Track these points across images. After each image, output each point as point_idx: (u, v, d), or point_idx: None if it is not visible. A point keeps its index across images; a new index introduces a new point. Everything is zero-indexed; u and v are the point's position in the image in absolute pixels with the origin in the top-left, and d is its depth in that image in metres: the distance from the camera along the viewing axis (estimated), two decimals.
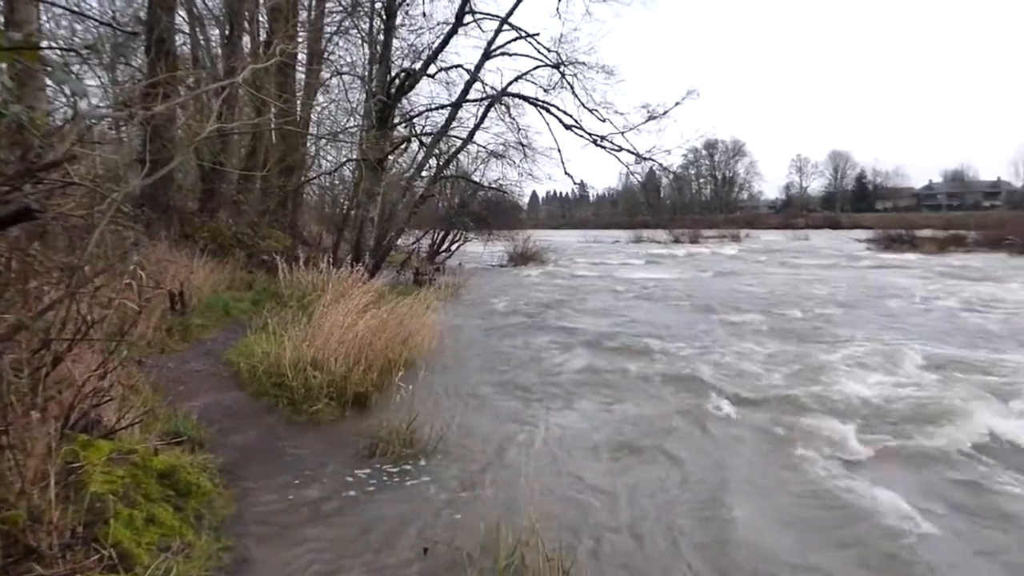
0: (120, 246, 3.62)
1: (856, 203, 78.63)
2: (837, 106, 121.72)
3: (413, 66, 13.15)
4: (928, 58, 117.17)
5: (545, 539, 2.93)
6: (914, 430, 4.99)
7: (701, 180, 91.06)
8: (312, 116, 14.16)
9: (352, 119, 13.61)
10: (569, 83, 13.76)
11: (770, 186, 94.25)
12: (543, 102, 13.67)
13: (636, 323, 10.28)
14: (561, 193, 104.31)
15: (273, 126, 12.78)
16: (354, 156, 13.20)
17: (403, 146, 14.50)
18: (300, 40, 13.76)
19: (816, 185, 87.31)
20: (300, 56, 14.43)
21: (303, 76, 14.57)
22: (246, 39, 13.45)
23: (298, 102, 14.07)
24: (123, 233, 3.81)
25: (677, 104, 13.29)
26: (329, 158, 14.87)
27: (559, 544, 2.96)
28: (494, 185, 17.76)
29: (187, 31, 13.11)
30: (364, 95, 13.23)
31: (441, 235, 21.21)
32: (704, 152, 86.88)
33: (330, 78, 13.77)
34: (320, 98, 14.25)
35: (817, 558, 3.25)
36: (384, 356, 6.18)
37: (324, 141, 13.82)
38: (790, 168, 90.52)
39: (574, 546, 3.19)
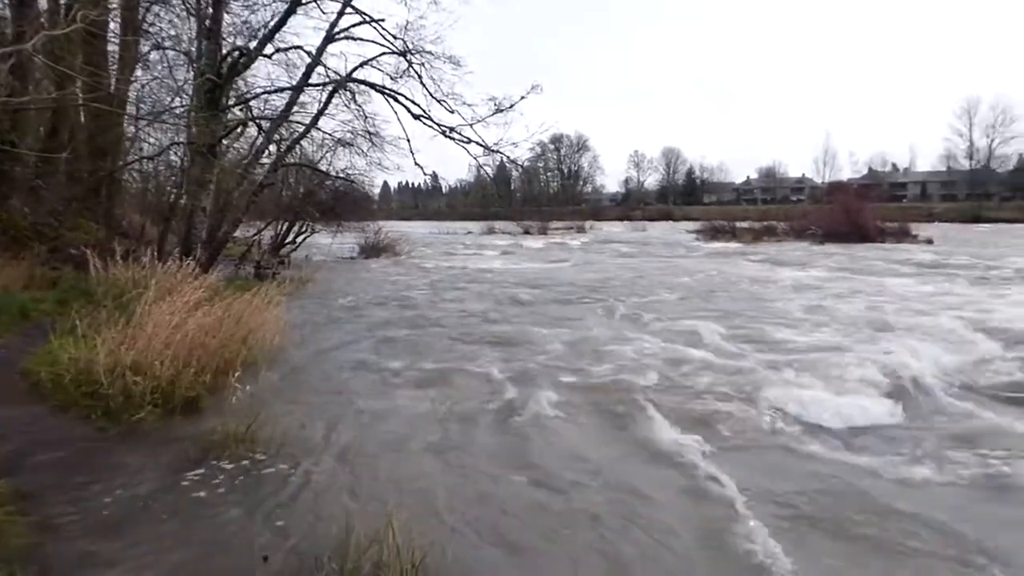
0: None
1: (686, 197, 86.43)
2: (669, 105, 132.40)
3: (248, 45, 12.24)
4: (746, 63, 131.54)
5: (400, 534, 2.87)
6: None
7: (549, 173, 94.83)
8: (130, 94, 12.62)
9: (178, 99, 12.36)
10: (417, 72, 13.60)
11: (611, 180, 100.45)
12: (390, 90, 13.39)
13: (487, 314, 10.45)
14: (413, 184, 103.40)
15: (80, 102, 11.23)
16: (181, 140, 12.01)
17: (239, 130, 13.48)
18: (113, 7, 12.21)
19: (652, 180, 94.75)
20: (113, 26, 12.81)
21: (118, 49, 12.97)
22: (43, 2, 11.69)
23: (112, 77, 12.50)
24: None
25: (523, 98, 13.65)
26: (151, 141, 13.39)
27: (414, 538, 2.91)
28: (342, 174, 17.11)
29: None
30: (192, 73, 12.08)
31: (285, 226, 20.06)
32: (551, 146, 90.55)
33: (148, 52, 12.38)
34: (139, 74, 12.76)
35: (642, 512, 3.52)
36: (220, 356, 5.72)
37: (144, 122, 12.40)
38: (628, 163, 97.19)
39: (430, 539, 3.09)
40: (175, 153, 13.22)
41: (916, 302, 10.73)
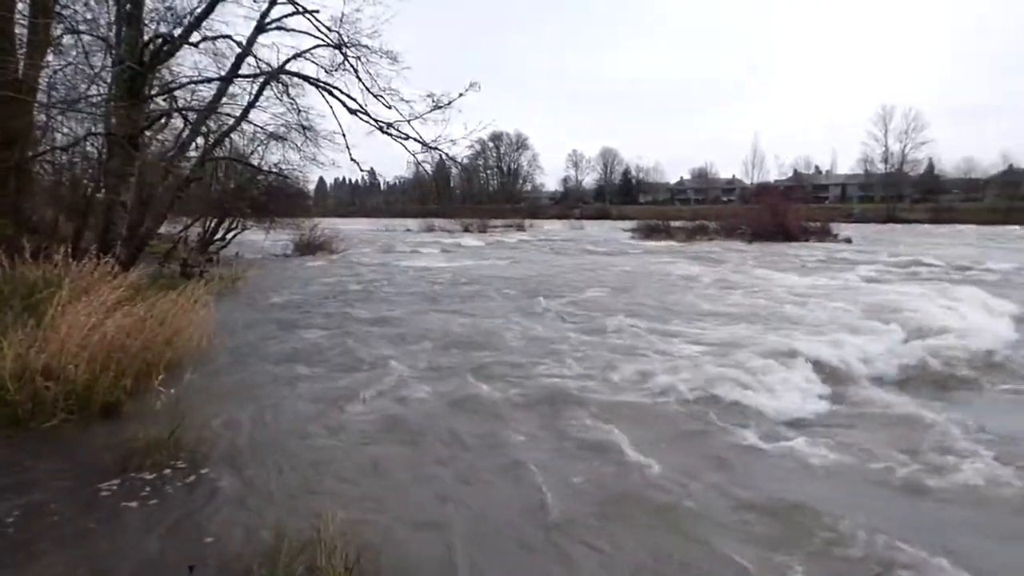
0: None
1: (623, 196, 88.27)
2: (606, 106, 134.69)
3: (172, 32, 11.67)
4: (680, 67, 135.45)
5: (334, 536, 2.84)
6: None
7: (488, 171, 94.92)
8: (41, 81, 11.80)
9: (95, 87, 11.64)
10: (353, 66, 13.28)
11: (550, 179, 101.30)
12: (325, 84, 13.03)
13: (422, 313, 10.37)
14: (351, 180, 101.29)
15: None
16: (99, 130, 11.33)
17: (162, 121, 12.84)
18: None
19: (590, 179, 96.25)
20: (21, 6, 11.94)
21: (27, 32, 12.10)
22: None
23: (20, 62, 11.66)
24: None
25: (461, 95, 13.54)
26: (65, 131, 12.58)
27: (349, 539, 2.87)
28: (274, 169, 16.58)
29: None
30: (111, 60, 11.41)
31: (214, 223, 19.29)
32: (491, 144, 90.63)
33: (61, 36, 11.61)
34: (51, 59, 11.94)
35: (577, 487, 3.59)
36: (141, 359, 5.47)
37: (57, 111, 11.62)
38: (567, 163, 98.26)
39: (365, 539, 3.08)
40: (92, 144, 12.48)
41: (834, 297, 11.31)
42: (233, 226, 20.31)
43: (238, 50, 12.16)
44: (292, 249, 22.54)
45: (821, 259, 20.38)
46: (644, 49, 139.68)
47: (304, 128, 14.01)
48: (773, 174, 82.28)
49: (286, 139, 14.66)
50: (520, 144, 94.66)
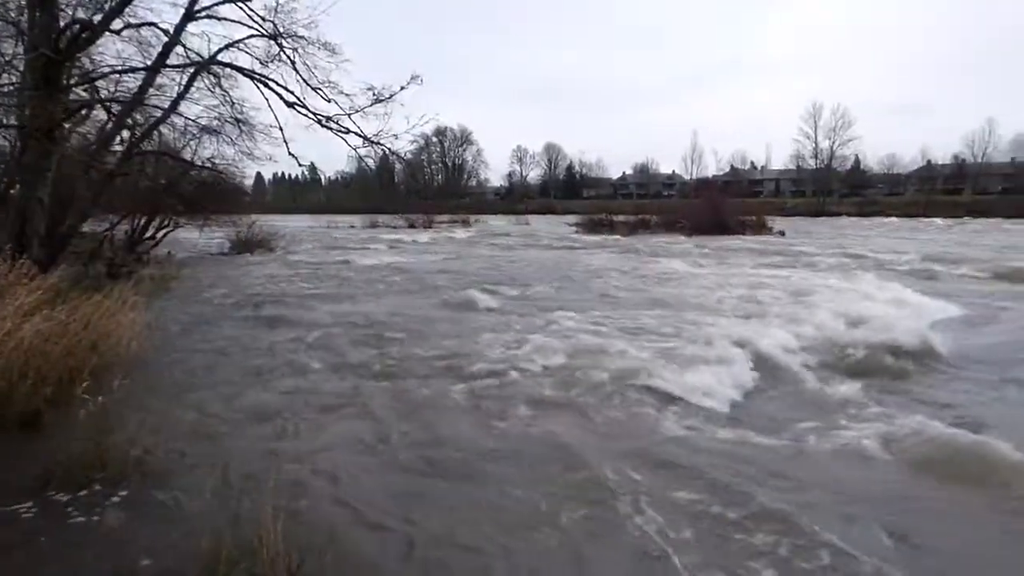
0: None
1: (567, 191, 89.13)
2: (550, 101, 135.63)
3: (92, 18, 10.99)
4: (623, 64, 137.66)
5: (275, 542, 2.75)
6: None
7: (433, 166, 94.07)
8: None
9: (6, 76, 10.87)
10: (290, 58, 12.84)
11: (495, 174, 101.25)
12: (260, 75, 12.55)
13: (362, 311, 10.15)
14: (291, 175, 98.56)
15: None
16: (11, 122, 10.59)
17: (83, 113, 12.10)
18: None
19: (534, 174, 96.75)
20: None
21: None
22: None
23: None
24: None
25: (402, 88, 13.29)
26: None
27: (291, 544, 2.80)
28: (207, 164, 15.88)
29: None
30: (23, 47, 10.67)
31: (144, 220, 18.36)
32: (435, 139, 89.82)
33: None
34: None
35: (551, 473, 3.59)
36: (63, 365, 5.16)
37: None
38: (512, 158, 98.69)
39: (308, 543, 3.01)
40: (5, 137, 11.67)
41: (762, 286, 11.76)
42: (164, 224, 19.39)
43: (165, 39, 11.58)
44: (229, 247, 21.73)
45: (755, 251, 21.09)
46: (587, 46, 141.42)
47: (239, 121, 13.49)
48: (711, 169, 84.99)
49: (220, 133, 14.07)
50: (464, 139, 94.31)
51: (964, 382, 6.09)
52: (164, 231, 19.52)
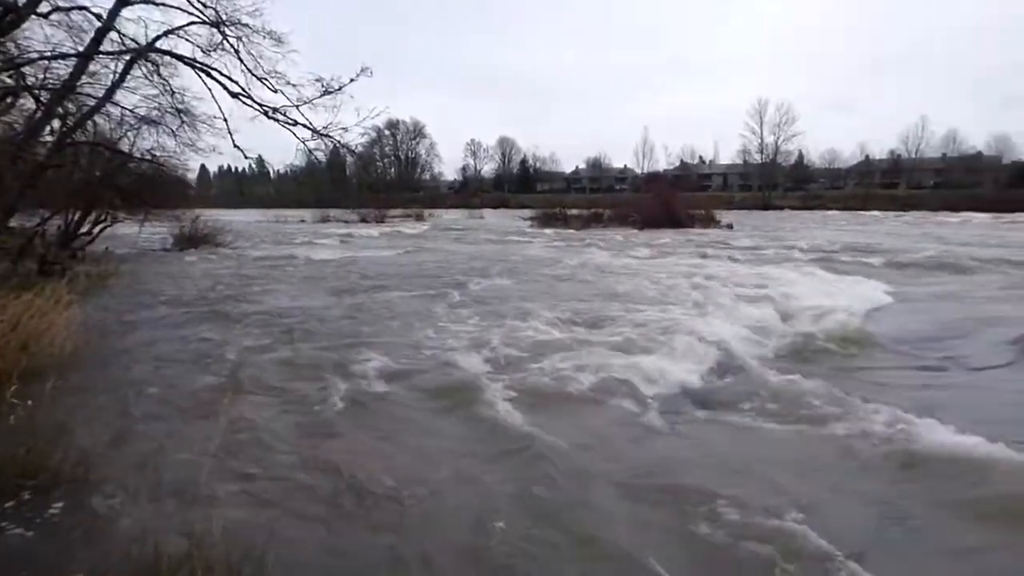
0: None
1: (521, 185, 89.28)
2: (503, 95, 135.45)
3: (16, 0, 10.37)
4: (574, 59, 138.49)
5: (214, 548, 2.69)
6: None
7: (385, 160, 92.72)
8: None
9: None
10: (234, 47, 12.40)
11: (449, 168, 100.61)
12: (202, 64, 12.10)
13: (312, 309, 9.88)
14: (237, 169, 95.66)
15: None
16: None
17: (8, 101, 11.43)
18: None
19: (488, 168, 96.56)
20: None
21: None
22: None
23: None
24: None
25: (352, 80, 12.98)
26: None
27: (230, 551, 2.72)
28: (147, 156, 15.23)
29: None
30: None
31: (78, 215, 17.49)
32: (387, 132, 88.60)
33: None
34: None
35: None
36: None
37: None
38: (465, 152, 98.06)
39: (248, 549, 2.92)
40: None
41: (713, 278, 12.05)
42: (101, 219, 18.51)
43: (98, 24, 11.04)
44: (172, 243, 20.93)
45: (704, 244, 21.58)
46: (537, 42, 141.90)
47: (179, 111, 12.99)
48: (662, 164, 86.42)
49: (160, 123, 13.51)
50: (417, 132, 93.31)
51: (897, 365, 6.39)
52: (101, 226, 18.62)
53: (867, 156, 78.14)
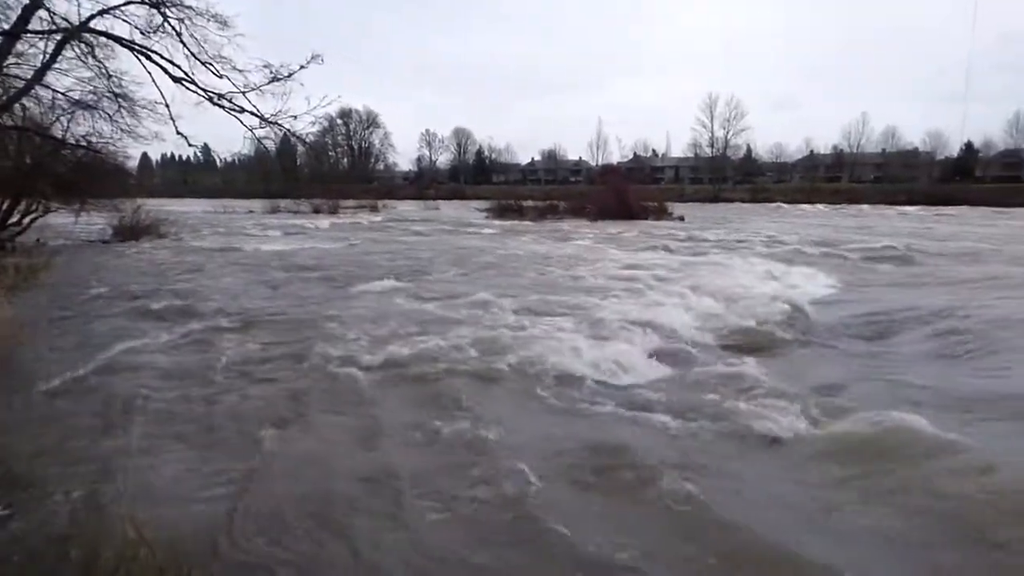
0: None
1: (477, 176, 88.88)
2: (458, 86, 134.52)
3: None
4: (528, 50, 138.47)
5: (154, 548, 2.63)
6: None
7: (338, 150, 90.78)
8: None
9: None
10: (176, 29, 11.88)
11: (403, 159, 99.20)
12: (141, 46, 11.56)
13: (257, 304, 9.55)
14: (181, 157, 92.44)
15: None
16: None
17: None
18: None
19: (443, 159, 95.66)
20: None
21: None
22: None
23: None
24: None
25: (302, 67, 12.58)
26: None
27: (174, 550, 2.70)
28: (82, 142, 14.50)
29: None
30: None
31: (7, 204, 16.56)
32: (339, 121, 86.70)
33: None
34: None
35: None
36: None
37: None
38: (420, 142, 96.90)
39: (190, 548, 2.86)
40: None
41: (664, 268, 12.28)
42: (33, 208, 17.58)
43: (25, 1, 10.42)
44: (111, 234, 20.03)
45: (657, 235, 21.90)
46: (493, 31, 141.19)
47: (117, 96, 12.43)
48: (616, 156, 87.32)
49: (95, 108, 12.91)
50: (371, 122, 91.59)
51: (835, 352, 6.64)
52: (32, 216, 17.70)
53: (812, 151, 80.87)
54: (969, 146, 71.69)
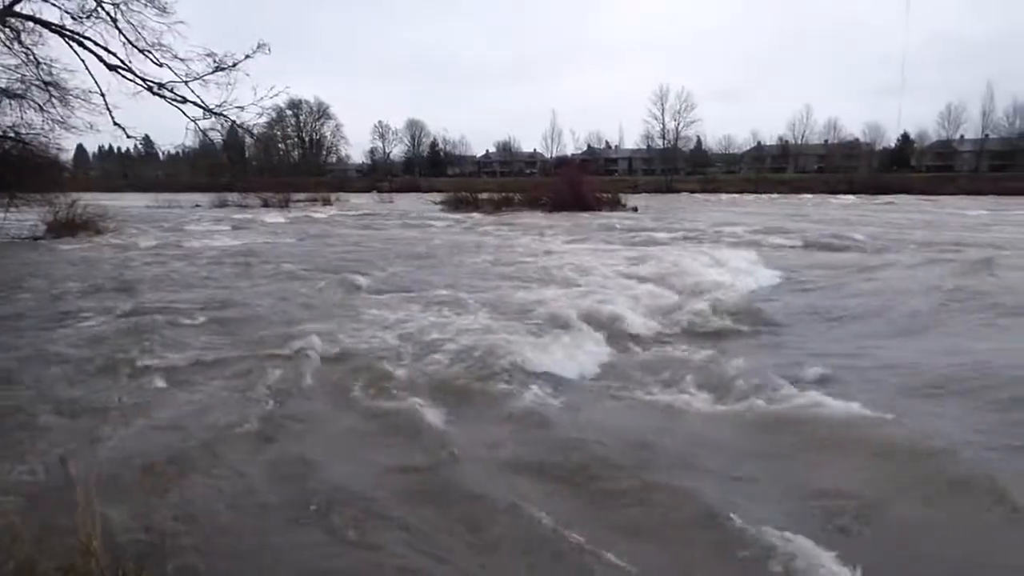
0: None
1: (431, 168, 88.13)
2: (410, 77, 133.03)
3: None
4: (482, 41, 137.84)
5: (101, 554, 2.49)
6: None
7: (288, 141, 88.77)
8: None
9: None
10: (110, 15, 11.37)
11: (356, 150, 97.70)
12: (72, 32, 11.03)
13: (203, 303, 9.08)
14: (120, 149, 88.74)
15: None
16: None
17: None
18: None
19: (397, 151, 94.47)
20: None
21: None
22: None
23: None
24: None
25: (248, 57, 12.28)
26: None
27: (121, 555, 2.64)
28: (9, 133, 13.77)
29: None
30: None
31: None
32: (289, 112, 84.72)
33: None
34: None
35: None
36: None
37: None
38: (373, 134, 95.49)
39: (139, 552, 2.79)
40: None
41: (617, 259, 12.46)
42: None
43: None
44: (43, 230, 19.07)
45: (611, 227, 22.18)
46: (448, 23, 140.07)
47: (47, 84, 11.84)
48: (570, 148, 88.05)
49: (23, 97, 12.31)
50: (322, 113, 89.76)
51: (791, 338, 6.86)
52: None
53: (759, 142, 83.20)
54: (905, 137, 75.27)
